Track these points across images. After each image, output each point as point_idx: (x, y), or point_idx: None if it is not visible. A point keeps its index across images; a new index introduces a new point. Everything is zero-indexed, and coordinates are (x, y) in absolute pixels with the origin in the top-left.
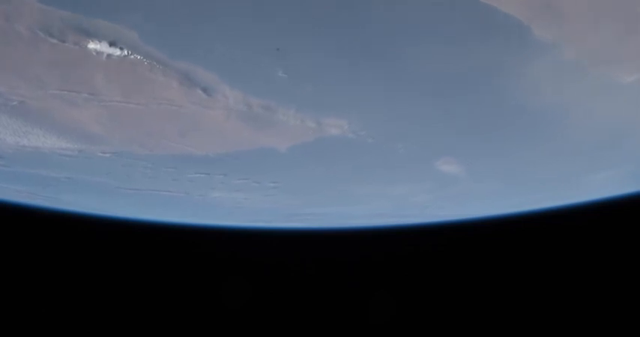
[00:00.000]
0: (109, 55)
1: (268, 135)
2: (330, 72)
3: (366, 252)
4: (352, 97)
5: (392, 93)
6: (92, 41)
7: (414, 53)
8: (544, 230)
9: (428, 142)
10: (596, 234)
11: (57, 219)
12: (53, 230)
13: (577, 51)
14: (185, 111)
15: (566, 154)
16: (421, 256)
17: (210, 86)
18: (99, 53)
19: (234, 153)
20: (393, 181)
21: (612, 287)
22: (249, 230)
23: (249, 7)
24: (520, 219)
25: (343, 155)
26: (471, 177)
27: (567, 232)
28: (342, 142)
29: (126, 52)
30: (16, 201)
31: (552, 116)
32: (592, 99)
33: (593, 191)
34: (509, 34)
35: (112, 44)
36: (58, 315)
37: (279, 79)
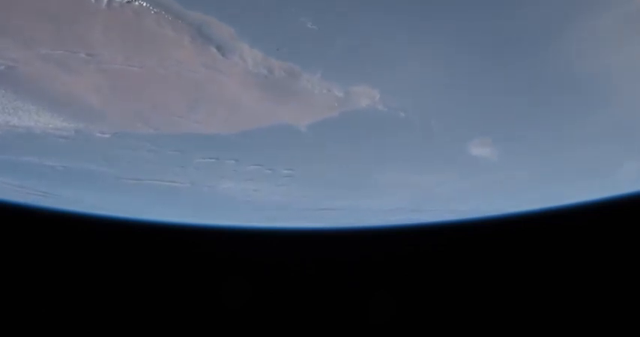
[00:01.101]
0: (109, 2)
1: (288, 109)
2: (365, 24)
3: (366, 252)
4: (388, 60)
5: (432, 58)
6: None
7: (465, 8)
8: (565, 228)
9: (464, 118)
10: (621, 233)
11: (54, 219)
12: (50, 232)
13: None
14: (196, 77)
15: (608, 138)
16: (421, 256)
17: (226, 43)
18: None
19: (249, 133)
20: (419, 167)
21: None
22: (249, 230)
23: None
24: (539, 216)
25: (369, 134)
26: (503, 163)
27: (588, 231)
28: (369, 117)
29: None
30: (6, 198)
31: (602, 90)
32: None
33: (624, 183)
34: None
35: None
36: (58, 316)
37: (307, 33)
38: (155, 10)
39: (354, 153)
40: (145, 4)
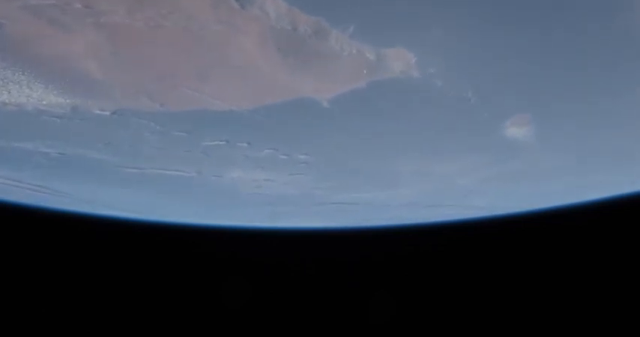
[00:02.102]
0: None
1: (311, 77)
2: None
3: (366, 252)
4: (430, 19)
5: (479, 20)
6: None
7: None
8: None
9: (505, 90)
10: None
11: (54, 219)
12: (49, 232)
13: None
14: (209, 35)
15: None
16: (422, 257)
17: None
18: None
19: (265, 108)
20: (446, 152)
21: None
22: (249, 230)
23: None
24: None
25: (398, 109)
26: (539, 146)
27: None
28: (401, 88)
29: None
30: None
31: None
32: None
33: None
34: None
35: None
36: (58, 316)
37: None
38: None
39: (378, 134)
40: None
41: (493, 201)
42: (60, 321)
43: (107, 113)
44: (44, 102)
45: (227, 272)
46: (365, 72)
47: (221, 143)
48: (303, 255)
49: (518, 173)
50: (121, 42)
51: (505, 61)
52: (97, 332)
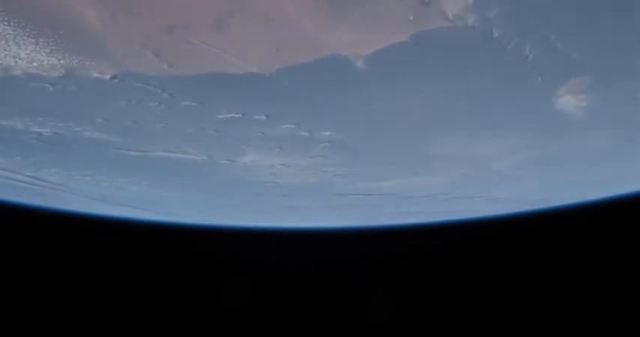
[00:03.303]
0: None
1: (347, 27)
2: None
3: (366, 252)
4: None
5: None
6: None
7: None
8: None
9: (572, 45)
10: None
11: (53, 219)
12: (48, 233)
13: None
14: None
15: None
16: (421, 257)
17: None
18: None
19: (289, 70)
20: (487, 127)
21: None
22: (249, 230)
23: None
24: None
25: (442, 70)
26: (588, 121)
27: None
28: (450, 41)
29: None
30: None
31: None
32: None
33: None
34: None
35: None
36: (58, 316)
37: None
38: None
39: (414, 103)
40: None
41: (523, 193)
42: (60, 321)
43: (107, 77)
44: (34, 65)
45: (227, 272)
46: (411, 18)
47: (237, 116)
48: (303, 255)
49: (560, 156)
50: None
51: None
52: (97, 331)
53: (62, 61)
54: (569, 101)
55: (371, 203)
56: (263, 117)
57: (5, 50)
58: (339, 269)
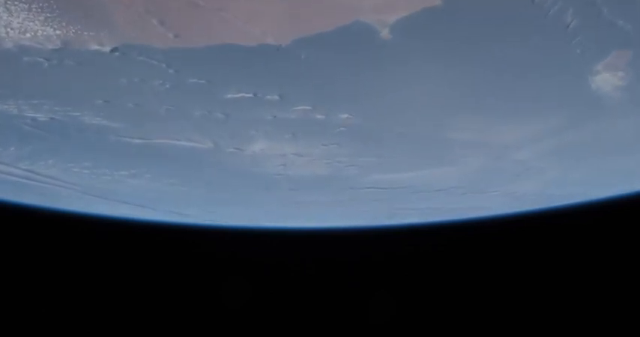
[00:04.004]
0: None
1: None
2: None
3: (367, 252)
4: None
5: None
6: None
7: None
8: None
9: (615, 9)
10: None
11: (53, 219)
12: (47, 233)
13: None
14: None
15: None
16: (422, 257)
17: None
18: None
19: (307, 41)
20: (514, 108)
21: None
22: (249, 230)
23: None
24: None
25: (473, 40)
26: (625, 105)
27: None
28: (487, 4)
29: None
30: None
31: None
32: None
33: None
34: None
35: None
36: (57, 317)
37: None
38: None
39: (441, 80)
40: None
41: (541, 188)
42: (60, 321)
43: (107, 49)
44: (28, 35)
45: (227, 272)
46: None
47: (247, 96)
48: (303, 255)
49: (587, 144)
50: None
51: None
52: (97, 332)
53: (58, 32)
54: (605, 79)
55: (383, 198)
56: (276, 97)
57: None
58: (344, 271)
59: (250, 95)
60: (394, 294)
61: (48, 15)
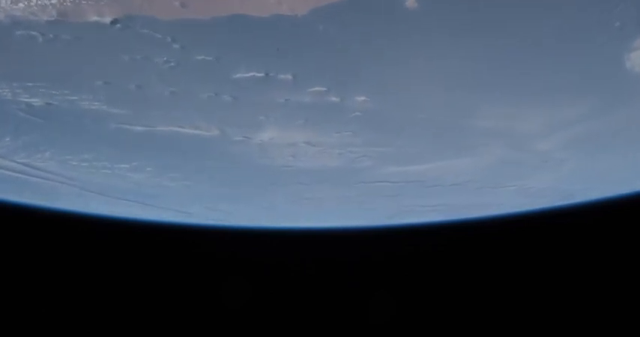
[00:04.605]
0: None
1: None
2: None
3: (367, 252)
4: None
5: None
6: None
7: None
8: None
9: None
10: None
11: (53, 219)
12: (47, 233)
13: None
14: None
15: None
16: (422, 257)
17: None
18: None
19: (326, 10)
20: (540, 92)
21: None
22: (249, 230)
23: None
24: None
25: (508, 3)
26: None
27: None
28: None
29: None
30: None
31: None
32: None
33: None
34: None
35: None
36: (58, 316)
37: None
38: None
39: (466, 56)
40: None
41: (558, 183)
42: (60, 321)
43: (107, 21)
44: (20, 5)
45: (227, 272)
46: None
47: (258, 75)
48: (303, 255)
49: (614, 133)
50: None
51: None
52: (98, 331)
53: (54, 0)
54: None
55: (394, 193)
56: (289, 76)
57: None
58: (339, 269)
59: (261, 74)
60: (396, 295)
61: None
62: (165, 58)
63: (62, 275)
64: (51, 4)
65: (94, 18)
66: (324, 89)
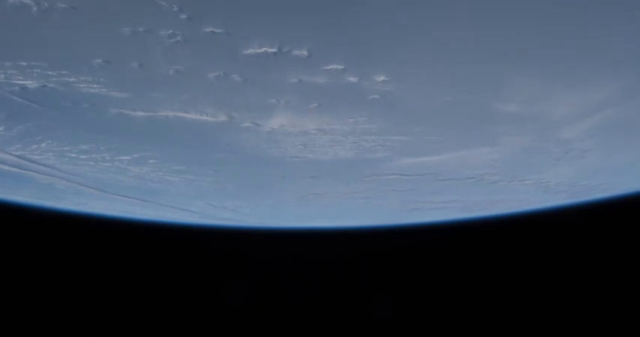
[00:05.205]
0: None
1: None
2: None
3: (367, 252)
4: None
5: None
6: None
7: None
8: None
9: None
10: None
11: (53, 219)
12: (47, 233)
13: None
14: None
15: None
16: (423, 257)
17: None
18: None
19: None
20: (573, 74)
21: None
22: (249, 230)
23: None
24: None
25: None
26: None
27: None
28: None
29: None
30: None
31: None
32: None
33: None
34: None
35: None
36: (58, 317)
37: None
38: None
39: (494, 32)
40: None
41: (577, 176)
42: (60, 321)
43: None
44: None
45: (227, 272)
46: None
47: (270, 51)
48: (303, 255)
49: None
50: None
51: None
52: (98, 331)
53: None
54: None
55: (406, 187)
56: (304, 52)
57: None
58: (339, 269)
59: (274, 50)
60: (393, 295)
61: None
62: (170, 31)
63: (62, 275)
64: None
65: None
66: (341, 67)
